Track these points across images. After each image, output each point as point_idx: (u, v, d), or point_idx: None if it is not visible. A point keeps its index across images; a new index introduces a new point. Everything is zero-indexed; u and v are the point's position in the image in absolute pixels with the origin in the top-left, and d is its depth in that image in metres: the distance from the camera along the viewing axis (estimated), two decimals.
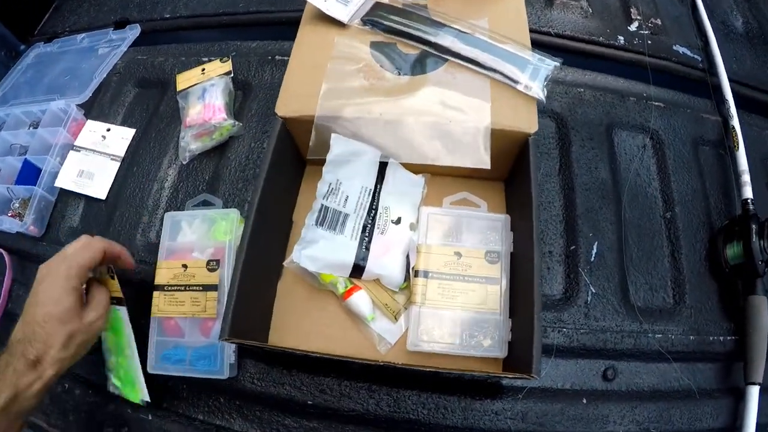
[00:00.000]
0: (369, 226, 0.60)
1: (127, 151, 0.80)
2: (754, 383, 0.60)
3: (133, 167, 0.78)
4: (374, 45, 0.64)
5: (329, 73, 0.61)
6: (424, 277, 0.58)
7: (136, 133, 0.81)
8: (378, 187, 0.62)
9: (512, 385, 0.60)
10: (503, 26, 0.64)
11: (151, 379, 0.60)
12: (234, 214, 0.65)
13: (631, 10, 0.87)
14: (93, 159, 0.79)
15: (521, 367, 0.50)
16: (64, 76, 0.90)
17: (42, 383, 0.49)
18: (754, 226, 0.64)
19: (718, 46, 0.83)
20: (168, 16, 0.94)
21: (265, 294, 0.61)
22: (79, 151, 0.79)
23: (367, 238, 0.59)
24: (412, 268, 0.59)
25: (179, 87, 0.80)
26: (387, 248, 0.60)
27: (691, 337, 0.64)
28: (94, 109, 0.85)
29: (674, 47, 0.85)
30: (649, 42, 0.83)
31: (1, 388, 0.47)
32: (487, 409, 0.59)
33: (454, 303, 0.57)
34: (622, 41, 0.83)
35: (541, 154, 0.74)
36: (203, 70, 0.81)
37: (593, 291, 0.65)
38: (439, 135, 0.58)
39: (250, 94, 0.80)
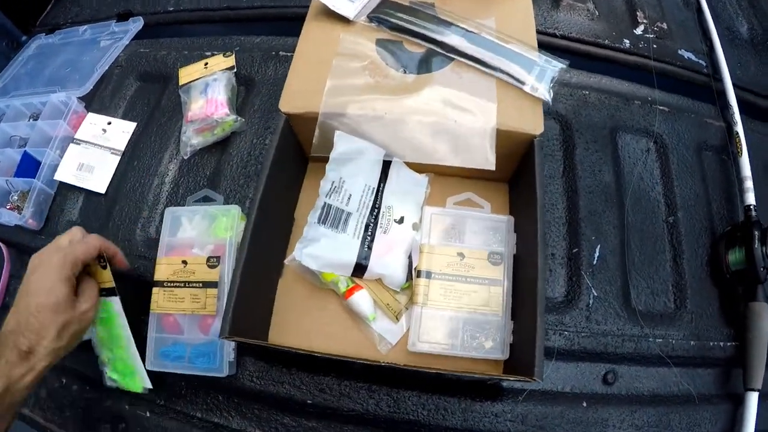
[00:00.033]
0: (371, 225, 0.60)
1: (127, 145, 0.79)
2: (753, 389, 0.61)
3: (133, 161, 0.77)
4: (380, 42, 0.63)
5: (334, 69, 0.60)
6: (426, 277, 0.58)
7: (137, 127, 0.80)
8: (381, 185, 0.62)
9: (512, 387, 0.60)
10: (510, 26, 0.64)
11: (149, 376, 0.59)
12: (235, 210, 0.64)
13: (638, 13, 0.87)
14: (93, 152, 0.78)
15: (523, 369, 0.50)
16: (66, 68, 0.89)
17: (34, 375, 0.48)
18: (756, 232, 0.64)
19: (723, 51, 0.83)
20: (171, 9, 0.94)
21: (265, 292, 0.60)
22: (79, 144, 0.79)
23: (369, 237, 0.59)
24: (415, 268, 0.58)
25: (181, 81, 0.80)
26: (389, 248, 0.59)
27: (692, 342, 0.64)
28: (95, 102, 0.84)
29: (679, 52, 0.84)
30: (655, 46, 0.83)
31: None
32: (487, 410, 0.59)
33: (456, 304, 0.57)
34: (627, 44, 0.83)
35: (545, 155, 0.73)
36: (206, 64, 0.80)
37: (595, 294, 0.65)
38: (443, 135, 0.58)
39: (253, 89, 0.80)
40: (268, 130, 0.75)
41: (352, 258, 0.58)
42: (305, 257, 0.56)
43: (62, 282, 0.50)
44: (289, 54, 0.81)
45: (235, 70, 0.80)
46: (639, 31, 0.85)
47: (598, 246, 0.68)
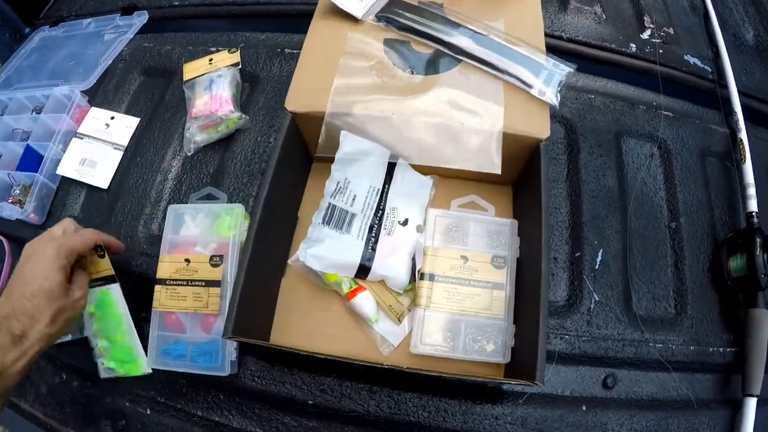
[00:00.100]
0: (376, 226, 0.60)
1: (130, 141, 0.79)
2: (751, 395, 0.61)
3: (136, 157, 0.77)
4: (388, 42, 0.63)
5: (341, 69, 0.60)
6: (429, 280, 0.58)
7: (140, 122, 0.80)
8: (386, 187, 0.62)
9: (513, 390, 0.60)
10: (519, 29, 0.64)
11: (149, 374, 0.60)
12: (239, 209, 0.64)
13: (645, 17, 0.87)
14: (96, 147, 0.78)
15: (524, 373, 0.50)
16: (69, 61, 0.89)
17: (26, 360, 0.49)
18: (758, 239, 0.65)
19: (729, 57, 0.83)
20: (177, 3, 0.93)
21: (268, 292, 0.60)
22: (82, 138, 0.78)
23: (373, 239, 0.59)
24: (418, 270, 0.58)
25: (186, 77, 0.79)
26: (393, 249, 0.59)
27: (691, 348, 0.65)
28: (99, 96, 0.84)
29: (685, 57, 0.84)
30: (661, 51, 0.83)
31: None
32: (488, 413, 0.59)
33: (459, 307, 0.57)
34: (634, 49, 0.83)
35: (550, 159, 0.73)
36: (211, 60, 0.80)
37: (596, 299, 0.65)
38: (450, 137, 0.58)
39: (258, 86, 0.80)
40: (273, 128, 0.75)
41: (355, 259, 0.58)
42: (309, 258, 0.56)
43: (57, 270, 0.52)
44: (294, 51, 0.81)
45: (240, 66, 0.79)
46: (646, 35, 0.85)
47: (601, 250, 0.68)
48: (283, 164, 0.57)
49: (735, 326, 0.67)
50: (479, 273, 0.58)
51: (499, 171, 0.57)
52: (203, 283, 0.61)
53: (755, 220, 0.68)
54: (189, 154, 0.75)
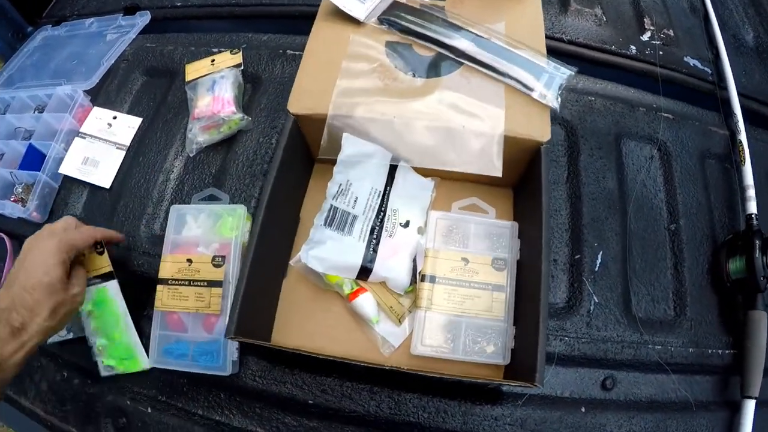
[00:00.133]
0: (377, 228, 0.60)
1: (133, 140, 0.79)
2: (750, 397, 0.61)
3: (138, 157, 0.77)
4: (389, 45, 0.63)
5: (343, 71, 0.61)
6: (430, 281, 0.58)
7: (142, 122, 0.80)
8: (387, 189, 0.62)
9: (512, 392, 0.61)
10: (520, 31, 0.64)
11: (150, 374, 0.60)
12: (241, 210, 0.64)
13: (645, 19, 0.87)
14: (98, 147, 0.78)
15: (524, 374, 0.50)
16: (71, 60, 0.89)
17: (24, 352, 0.50)
18: (757, 241, 0.65)
19: (729, 59, 0.83)
20: (179, 4, 0.93)
21: (270, 292, 0.61)
22: (84, 138, 0.79)
23: (375, 241, 0.59)
24: (419, 272, 0.59)
25: (188, 77, 0.79)
26: (394, 251, 0.60)
27: (690, 350, 0.65)
28: (101, 96, 0.84)
29: (685, 59, 0.84)
30: (661, 53, 0.83)
31: None
32: (487, 414, 0.59)
33: (460, 309, 0.58)
34: (634, 51, 0.83)
35: (550, 161, 0.73)
36: (213, 61, 0.80)
37: (596, 301, 0.65)
38: (451, 140, 0.58)
39: (260, 87, 0.80)
40: (275, 129, 0.75)
41: (357, 261, 0.58)
42: (311, 259, 0.56)
43: (57, 265, 0.52)
44: (296, 53, 0.81)
45: (242, 67, 0.80)
46: (646, 37, 0.85)
47: (600, 252, 0.68)
48: (285, 166, 0.57)
49: (734, 328, 0.67)
50: (480, 275, 0.59)
51: (500, 174, 0.58)
52: (205, 284, 0.61)
53: (755, 222, 0.68)
54: (191, 155, 0.75)
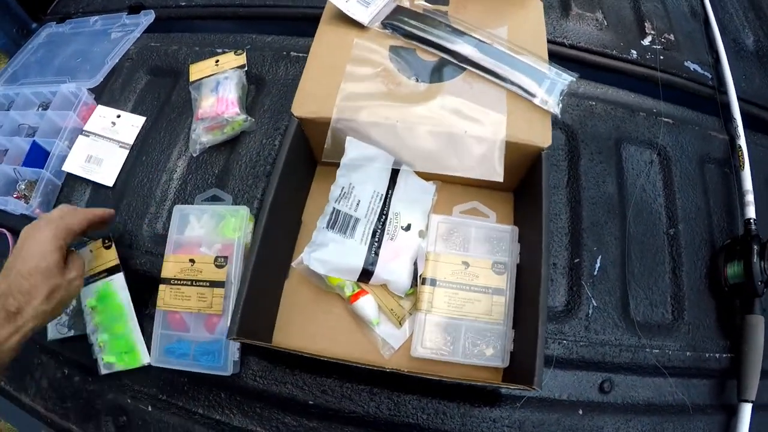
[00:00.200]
0: (379, 231, 0.61)
1: (136, 139, 0.79)
2: (746, 401, 0.62)
3: (142, 156, 0.77)
4: (393, 49, 0.64)
5: (347, 75, 0.61)
6: (431, 285, 0.59)
7: (146, 121, 0.81)
8: (389, 192, 0.63)
9: (510, 394, 0.61)
10: (522, 36, 0.64)
11: (151, 373, 0.61)
12: (244, 211, 0.65)
13: (646, 24, 0.87)
14: (102, 145, 0.78)
15: (522, 377, 0.51)
16: (76, 58, 0.89)
17: (20, 336, 0.50)
18: (755, 246, 0.65)
19: (729, 63, 0.83)
20: (184, 3, 0.93)
21: (272, 293, 0.61)
22: (88, 136, 0.79)
23: (376, 244, 0.60)
24: (420, 275, 0.59)
25: (192, 77, 0.80)
26: (396, 254, 0.60)
27: (688, 353, 0.65)
28: (105, 94, 0.84)
29: (686, 63, 0.85)
30: (662, 57, 0.84)
31: None
32: (486, 416, 0.60)
33: (459, 312, 0.58)
34: (634, 55, 0.83)
35: (550, 166, 0.74)
36: (217, 61, 0.80)
37: (594, 304, 0.66)
38: (453, 145, 0.58)
39: (264, 89, 0.80)
40: (278, 130, 0.75)
41: (359, 263, 0.58)
42: (313, 261, 0.57)
43: (54, 251, 0.53)
44: (300, 55, 0.82)
45: (246, 68, 0.80)
46: (646, 42, 0.86)
47: (599, 257, 0.69)
48: (288, 168, 0.58)
49: (731, 332, 0.67)
50: (480, 279, 0.59)
51: (501, 179, 0.58)
52: (207, 284, 0.62)
53: (753, 226, 0.68)
54: (195, 155, 0.75)
